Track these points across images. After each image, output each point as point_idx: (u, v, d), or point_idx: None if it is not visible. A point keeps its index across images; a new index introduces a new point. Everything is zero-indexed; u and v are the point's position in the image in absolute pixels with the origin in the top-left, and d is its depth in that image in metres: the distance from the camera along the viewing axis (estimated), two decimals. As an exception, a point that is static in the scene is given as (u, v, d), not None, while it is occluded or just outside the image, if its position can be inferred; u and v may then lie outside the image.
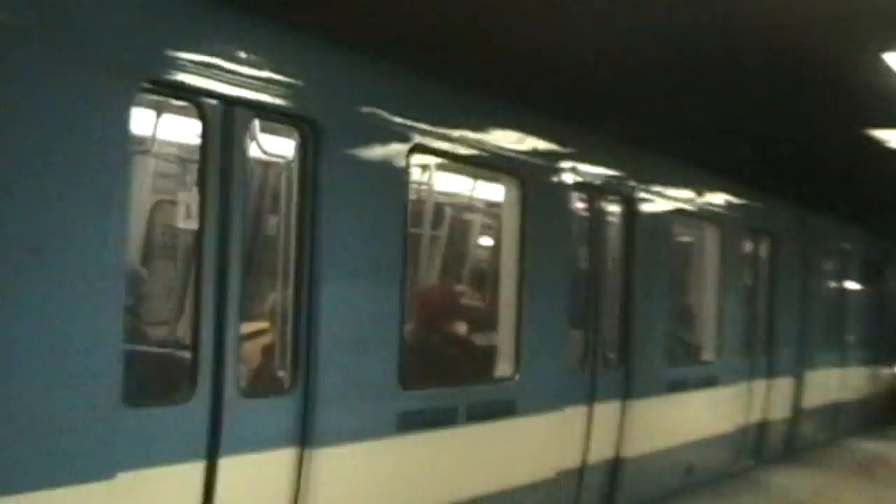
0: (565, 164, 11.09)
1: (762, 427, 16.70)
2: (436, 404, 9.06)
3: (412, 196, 9.80)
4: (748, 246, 16.39)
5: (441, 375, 9.93)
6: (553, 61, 12.63)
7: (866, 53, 9.17)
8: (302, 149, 7.57)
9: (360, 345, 8.01)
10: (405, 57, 9.71)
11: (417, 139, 8.75)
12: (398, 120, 8.58)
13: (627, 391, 12.19)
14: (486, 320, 10.89)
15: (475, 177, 11.55)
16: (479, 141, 9.83)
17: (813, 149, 18.54)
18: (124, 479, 5.97)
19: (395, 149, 8.53)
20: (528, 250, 10.33)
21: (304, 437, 7.38)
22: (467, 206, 12.31)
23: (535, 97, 11.81)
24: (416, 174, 9.97)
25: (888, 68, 9.24)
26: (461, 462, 9.38)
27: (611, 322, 12.18)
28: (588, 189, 11.62)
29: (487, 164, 10.35)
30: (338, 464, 7.66)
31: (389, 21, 11.32)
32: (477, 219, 12.75)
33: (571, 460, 11.10)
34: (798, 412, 18.26)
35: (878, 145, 13.69)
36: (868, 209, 21.83)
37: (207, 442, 6.65)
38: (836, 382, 20.38)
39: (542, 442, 10.56)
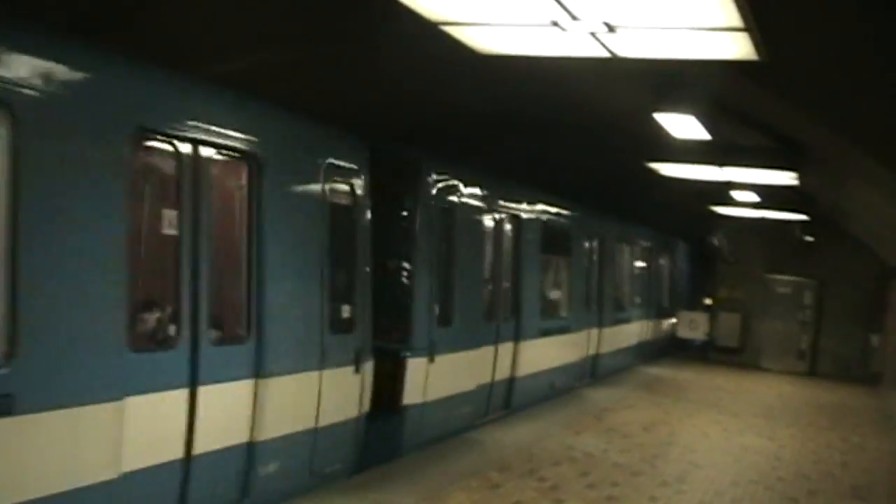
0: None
1: (595, 358, 17.35)
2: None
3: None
4: (586, 243, 16.98)
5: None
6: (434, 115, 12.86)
7: (644, 113, 9.54)
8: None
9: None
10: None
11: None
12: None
13: (517, 336, 12.86)
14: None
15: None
16: None
17: (611, 175, 18.95)
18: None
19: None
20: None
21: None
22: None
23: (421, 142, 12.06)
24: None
25: (658, 123, 9.64)
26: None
27: (507, 291, 12.85)
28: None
29: None
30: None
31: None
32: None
33: (486, 378, 11.84)
34: (617, 349, 18.87)
35: (654, 173, 14.09)
36: (649, 214, 22.19)
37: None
38: (638, 330, 20.94)
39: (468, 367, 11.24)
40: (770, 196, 16.43)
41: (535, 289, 13.75)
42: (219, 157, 6.90)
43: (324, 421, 8.08)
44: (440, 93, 11.60)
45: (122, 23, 8.62)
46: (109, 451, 5.72)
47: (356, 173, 8.81)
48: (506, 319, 12.63)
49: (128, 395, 5.83)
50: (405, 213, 10.34)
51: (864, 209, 15.42)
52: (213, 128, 6.76)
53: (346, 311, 8.58)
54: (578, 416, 13.89)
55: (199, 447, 6.51)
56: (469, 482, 9.29)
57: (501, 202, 12.60)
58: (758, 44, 6.01)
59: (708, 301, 25.43)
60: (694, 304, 25.87)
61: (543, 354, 14.07)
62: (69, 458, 5.47)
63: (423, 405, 10.13)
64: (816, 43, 7.25)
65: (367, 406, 8.85)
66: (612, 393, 16.85)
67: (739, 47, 6.27)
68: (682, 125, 9.82)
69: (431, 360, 10.23)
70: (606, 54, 6.79)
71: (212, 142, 6.75)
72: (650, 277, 22.56)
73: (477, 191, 11.70)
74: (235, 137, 7.03)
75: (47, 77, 5.39)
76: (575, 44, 6.64)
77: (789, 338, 23.98)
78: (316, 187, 8.08)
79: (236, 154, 7.09)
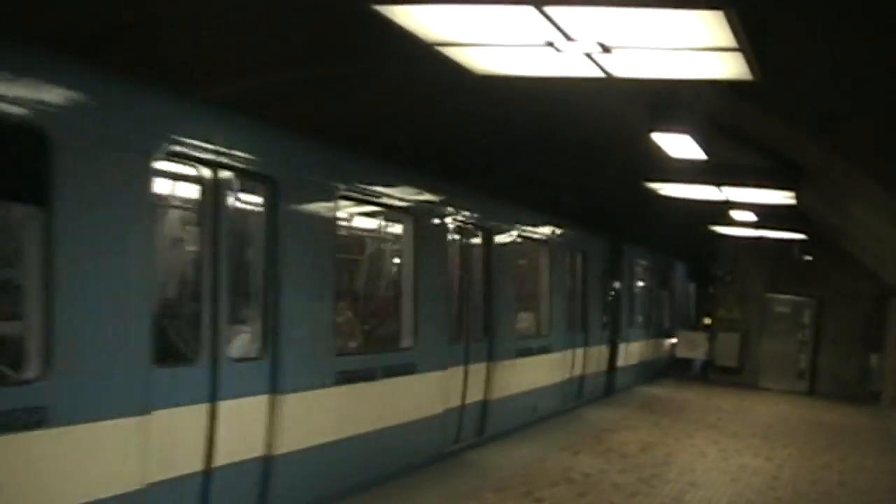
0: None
1: (581, 379, 16.60)
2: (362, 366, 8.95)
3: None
4: (569, 259, 16.09)
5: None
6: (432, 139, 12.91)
7: (641, 133, 9.56)
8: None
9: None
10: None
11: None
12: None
13: (491, 356, 11.95)
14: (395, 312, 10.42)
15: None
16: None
17: (611, 195, 18.99)
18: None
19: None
20: (423, 269, 10.15)
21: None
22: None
23: (422, 161, 12.09)
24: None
25: (655, 143, 9.66)
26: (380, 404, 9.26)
27: (477, 310, 11.95)
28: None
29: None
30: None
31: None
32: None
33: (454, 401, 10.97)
34: (610, 369, 18.51)
35: (652, 192, 14.12)
36: (651, 236, 22.20)
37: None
38: (634, 350, 20.71)
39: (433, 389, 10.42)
40: (768, 215, 16.44)
41: (510, 307, 12.91)
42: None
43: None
44: (437, 113, 11.63)
45: (127, 46, 8.67)
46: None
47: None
48: (476, 339, 11.71)
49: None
50: None
51: (863, 229, 15.41)
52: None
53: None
54: (576, 437, 13.83)
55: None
56: (466, 503, 9.23)
57: (468, 213, 11.55)
58: (751, 64, 6.02)
59: (707, 321, 25.37)
60: (693, 324, 25.85)
61: (521, 375, 13.10)
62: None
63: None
64: (810, 63, 7.26)
65: None
66: (610, 413, 16.78)
67: (733, 67, 6.29)
68: (679, 145, 9.83)
69: None
70: (602, 74, 6.81)
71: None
72: (653, 298, 22.53)
73: (432, 197, 10.74)
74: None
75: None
76: (570, 64, 6.66)
77: (788, 357, 23.92)
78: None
79: None
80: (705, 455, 13.44)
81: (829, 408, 21.07)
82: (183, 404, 6.39)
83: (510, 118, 12.00)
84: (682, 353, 24.22)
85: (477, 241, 11.98)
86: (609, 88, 8.35)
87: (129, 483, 5.81)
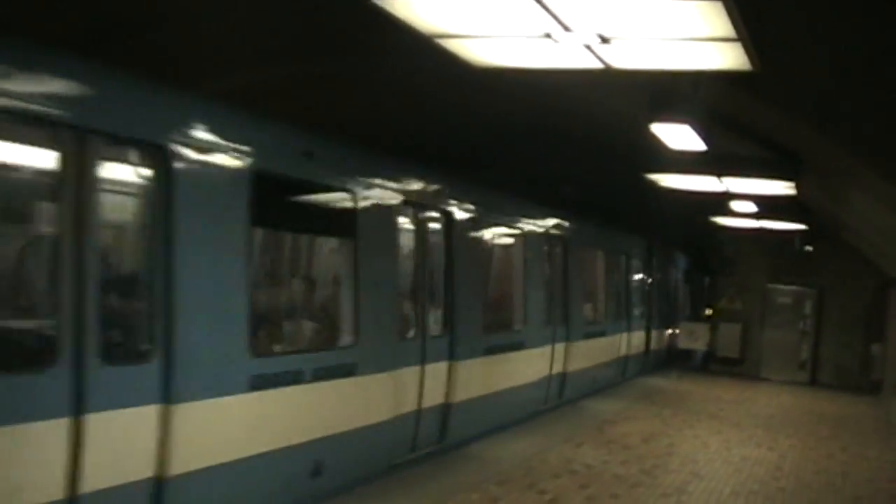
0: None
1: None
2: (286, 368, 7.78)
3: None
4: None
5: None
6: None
7: (640, 124, 9.54)
8: None
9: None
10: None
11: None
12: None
13: (452, 355, 10.72)
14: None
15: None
16: None
17: (612, 186, 18.98)
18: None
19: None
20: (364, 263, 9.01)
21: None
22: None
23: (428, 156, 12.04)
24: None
25: (654, 134, 9.63)
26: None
27: (435, 305, 10.77)
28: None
29: None
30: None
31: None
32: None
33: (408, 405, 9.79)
34: (591, 366, 16.91)
35: (652, 184, 14.08)
36: (647, 226, 22.19)
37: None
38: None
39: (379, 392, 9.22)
40: (769, 206, 16.39)
41: (474, 301, 11.55)
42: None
43: None
44: (437, 106, 11.61)
45: (128, 42, 8.66)
46: None
47: None
48: (434, 336, 10.43)
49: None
50: None
51: (863, 219, 15.38)
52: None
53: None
54: (579, 429, 13.83)
55: None
56: (468, 496, 9.23)
57: (419, 192, 10.22)
58: (750, 54, 5.99)
59: (708, 312, 25.35)
60: (694, 316, 25.82)
61: (490, 375, 11.89)
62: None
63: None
64: (809, 54, 7.24)
65: None
66: (612, 404, 16.77)
67: (732, 58, 6.26)
68: (679, 136, 9.79)
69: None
70: (600, 66, 6.78)
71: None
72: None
73: (377, 179, 9.39)
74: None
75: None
76: (569, 55, 6.63)
77: (790, 348, 23.91)
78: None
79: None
80: (707, 446, 13.44)
81: (831, 398, 21.08)
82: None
83: (509, 111, 12.00)
84: (683, 344, 24.16)
85: (429, 222, 10.57)
86: (608, 80, 8.33)
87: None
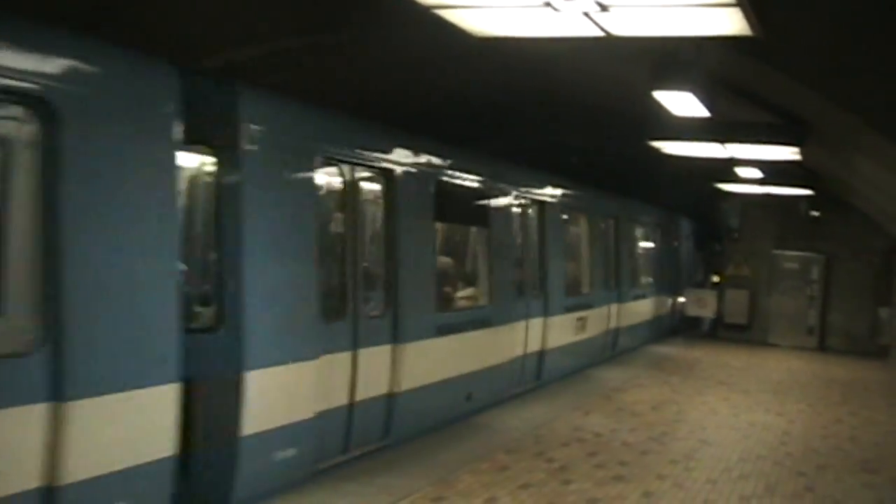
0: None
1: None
2: None
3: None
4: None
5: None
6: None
7: (642, 91, 9.49)
8: None
9: None
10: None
11: None
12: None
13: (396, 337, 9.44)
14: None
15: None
16: None
17: (615, 155, 18.93)
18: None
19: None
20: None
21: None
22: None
23: (435, 127, 11.98)
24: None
25: (657, 101, 9.58)
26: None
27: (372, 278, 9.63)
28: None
29: None
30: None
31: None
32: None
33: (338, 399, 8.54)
34: (576, 341, 15.48)
35: (655, 151, 14.01)
36: (654, 192, 22.14)
37: None
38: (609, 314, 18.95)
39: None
40: (774, 172, 16.33)
41: (423, 274, 10.06)
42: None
43: None
44: (438, 78, 11.57)
45: (122, 16, 8.62)
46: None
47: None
48: (371, 316, 9.05)
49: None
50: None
51: (869, 183, 15.32)
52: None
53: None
54: (587, 397, 13.87)
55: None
56: (478, 465, 9.29)
57: (350, 146, 8.72)
58: (750, 19, 5.95)
59: (715, 278, 25.33)
60: (701, 283, 25.80)
61: (445, 358, 10.50)
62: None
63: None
64: (811, 16, 7.19)
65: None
66: (621, 372, 16.81)
67: (733, 23, 6.22)
68: (682, 103, 9.74)
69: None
70: (601, 33, 6.74)
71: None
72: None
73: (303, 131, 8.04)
74: None
75: None
76: (569, 24, 6.59)
77: (798, 313, 23.89)
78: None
79: None
80: (716, 412, 13.48)
81: (839, 363, 21.09)
82: None
83: (511, 82, 11.93)
84: (691, 312, 24.17)
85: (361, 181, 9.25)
86: (610, 48, 8.29)
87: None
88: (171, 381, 6.19)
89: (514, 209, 12.96)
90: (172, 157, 6.31)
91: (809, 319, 23.78)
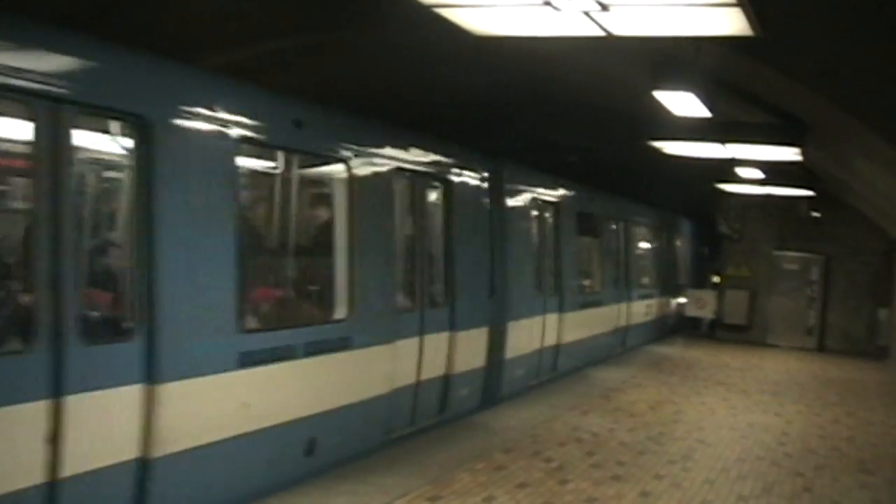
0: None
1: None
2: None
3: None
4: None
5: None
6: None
7: (644, 92, 9.48)
8: None
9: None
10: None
11: None
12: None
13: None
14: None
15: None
16: None
17: (616, 155, 18.91)
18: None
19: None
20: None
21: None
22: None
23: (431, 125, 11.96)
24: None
25: (657, 101, 9.57)
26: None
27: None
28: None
29: None
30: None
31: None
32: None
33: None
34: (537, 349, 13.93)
35: (656, 151, 13.99)
36: (655, 193, 22.12)
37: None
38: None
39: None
40: (775, 172, 16.30)
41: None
42: None
43: None
44: (437, 77, 11.55)
45: (126, 15, 8.62)
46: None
47: None
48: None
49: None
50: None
51: (869, 184, 15.31)
52: None
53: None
54: (585, 397, 13.87)
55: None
56: (474, 464, 9.28)
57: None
58: (750, 19, 5.94)
59: (715, 279, 25.31)
60: (702, 283, 25.81)
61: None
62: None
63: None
64: (810, 18, 7.17)
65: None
66: (618, 373, 16.81)
67: (734, 23, 6.19)
68: (682, 103, 9.73)
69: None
70: (601, 33, 6.72)
71: None
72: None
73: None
74: None
75: None
76: (569, 23, 6.57)
77: (797, 314, 23.87)
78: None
79: None
80: (714, 412, 13.47)
81: (838, 363, 21.09)
82: None
83: (511, 81, 11.91)
84: (690, 312, 24.17)
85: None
86: (610, 47, 8.27)
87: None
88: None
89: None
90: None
91: (809, 320, 23.77)
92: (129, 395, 5.94)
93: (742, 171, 16.41)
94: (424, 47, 9.90)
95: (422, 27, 7.18)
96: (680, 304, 24.46)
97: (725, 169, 16.18)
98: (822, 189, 18.71)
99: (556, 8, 6.18)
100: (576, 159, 18.74)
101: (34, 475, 5.28)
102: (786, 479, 9.85)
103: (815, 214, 22.46)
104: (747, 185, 19.06)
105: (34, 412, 5.25)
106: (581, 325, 15.54)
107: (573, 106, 14.04)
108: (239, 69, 9.43)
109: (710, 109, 9.78)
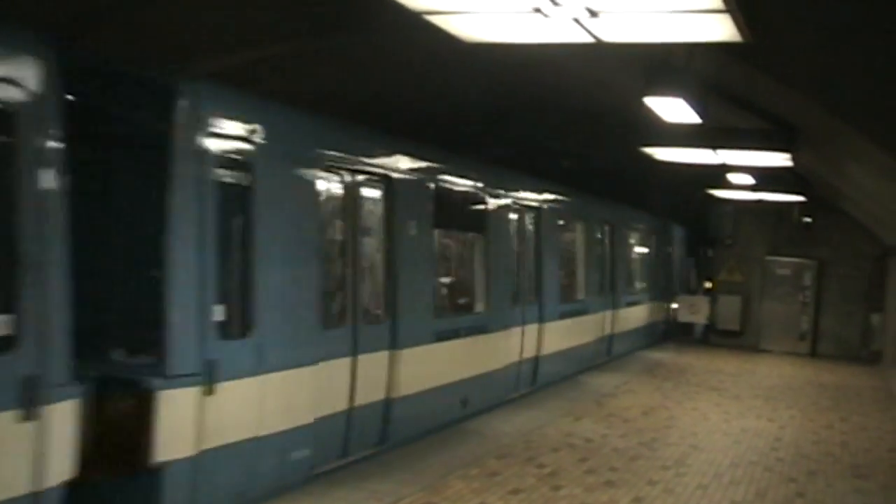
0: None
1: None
2: None
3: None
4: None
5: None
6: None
7: (635, 98, 9.51)
8: None
9: None
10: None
11: None
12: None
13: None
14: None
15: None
16: None
17: (607, 161, 18.94)
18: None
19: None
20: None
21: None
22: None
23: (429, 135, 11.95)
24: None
25: (648, 108, 9.59)
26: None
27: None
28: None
29: None
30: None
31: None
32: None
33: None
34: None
35: (648, 157, 14.03)
36: (646, 200, 22.14)
37: None
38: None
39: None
40: (766, 178, 16.37)
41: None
42: None
43: None
44: (428, 84, 11.57)
45: (121, 22, 8.62)
46: None
47: None
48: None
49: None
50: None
51: (860, 189, 15.36)
52: None
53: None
54: (578, 403, 13.88)
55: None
56: (468, 470, 9.29)
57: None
58: (740, 25, 5.97)
59: (708, 284, 25.35)
60: (694, 288, 25.83)
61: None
62: None
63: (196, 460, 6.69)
64: (800, 23, 7.21)
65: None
66: (612, 378, 16.82)
67: (724, 29, 6.22)
68: (674, 109, 9.76)
69: (210, 391, 6.72)
70: (591, 40, 6.74)
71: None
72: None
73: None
74: None
75: None
76: (559, 30, 6.59)
77: (790, 319, 23.91)
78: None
79: None
80: (707, 418, 13.50)
81: (831, 369, 21.13)
82: None
83: (501, 88, 11.94)
84: (683, 318, 24.17)
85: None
86: (601, 54, 8.30)
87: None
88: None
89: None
90: None
91: (802, 325, 23.81)
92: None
93: (733, 177, 16.46)
94: (416, 54, 9.93)
95: (413, 34, 7.20)
96: (672, 310, 24.45)
97: (717, 175, 16.23)
98: (815, 194, 18.78)
99: (545, 15, 6.19)
100: (567, 164, 18.77)
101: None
102: (779, 484, 9.87)
103: (808, 220, 22.51)
104: (739, 191, 19.11)
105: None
106: (563, 335, 15.05)
107: (564, 112, 14.07)
108: (233, 75, 9.44)
109: (701, 115, 9.82)
